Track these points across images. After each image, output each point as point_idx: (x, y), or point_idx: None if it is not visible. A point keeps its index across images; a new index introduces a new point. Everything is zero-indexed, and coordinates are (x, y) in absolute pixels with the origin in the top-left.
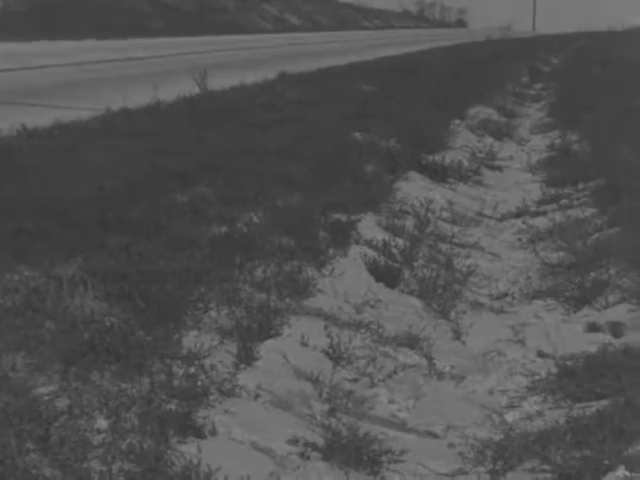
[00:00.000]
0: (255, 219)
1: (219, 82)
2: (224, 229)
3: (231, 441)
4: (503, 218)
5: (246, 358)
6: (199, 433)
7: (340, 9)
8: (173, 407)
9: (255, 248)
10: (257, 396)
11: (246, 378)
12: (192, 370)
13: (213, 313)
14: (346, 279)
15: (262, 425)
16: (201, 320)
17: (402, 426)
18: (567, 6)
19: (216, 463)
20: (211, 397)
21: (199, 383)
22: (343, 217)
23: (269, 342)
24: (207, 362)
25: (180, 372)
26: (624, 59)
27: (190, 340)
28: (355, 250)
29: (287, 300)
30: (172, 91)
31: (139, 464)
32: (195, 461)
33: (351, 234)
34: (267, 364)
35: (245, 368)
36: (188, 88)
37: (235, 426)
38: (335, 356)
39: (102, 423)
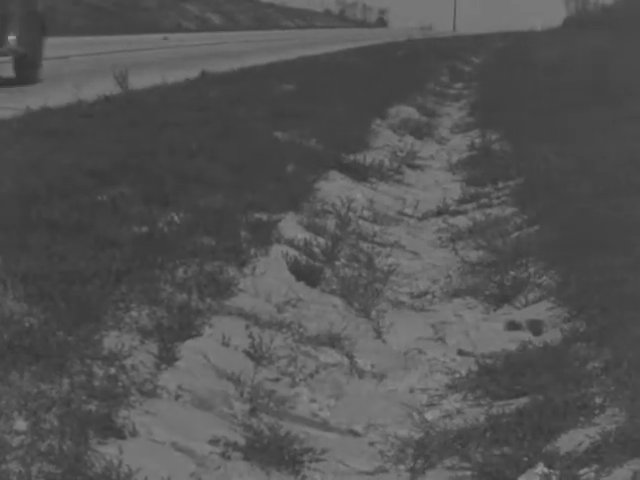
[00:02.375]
0: (176, 219)
1: (140, 81)
2: (145, 229)
3: (152, 442)
4: (424, 217)
5: (167, 358)
6: (120, 434)
7: (262, 9)
8: (93, 408)
9: (176, 248)
10: (178, 396)
11: (167, 378)
12: (113, 371)
13: (134, 313)
14: (267, 278)
15: (183, 425)
16: (122, 320)
17: (323, 425)
18: (488, 6)
19: (137, 464)
20: (132, 398)
21: (120, 384)
22: (264, 216)
23: (190, 342)
24: (128, 362)
25: (100, 373)
26: (543, 59)
27: (111, 340)
28: (276, 249)
29: (208, 300)
30: (93, 90)
31: (59, 465)
32: (115, 462)
33: (272, 233)
34: (188, 364)
35: (166, 368)
36: (109, 87)
37: (156, 426)
38: (256, 356)
39: (21, 424)
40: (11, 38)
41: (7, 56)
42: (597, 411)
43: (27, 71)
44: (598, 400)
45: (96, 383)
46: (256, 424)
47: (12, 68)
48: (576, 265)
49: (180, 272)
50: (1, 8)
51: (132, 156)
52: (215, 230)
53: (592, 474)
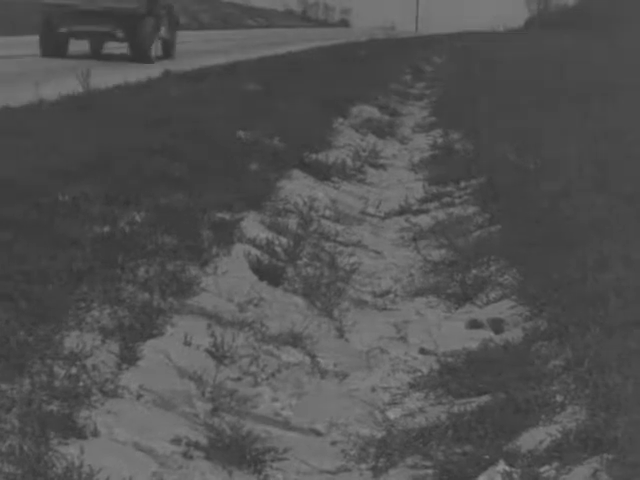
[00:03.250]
0: (138, 218)
1: (103, 80)
2: (106, 228)
3: (113, 442)
4: (386, 216)
5: (129, 358)
6: (81, 434)
7: (224, 8)
8: (54, 408)
9: (138, 247)
10: (140, 396)
11: (129, 378)
12: (74, 370)
13: (95, 313)
14: (230, 278)
15: (145, 425)
16: (83, 320)
17: (285, 424)
18: (450, 7)
19: (98, 464)
20: (93, 398)
21: (81, 384)
22: (227, 216)
23: (152, 342)
24: (89, 362)
25: (62, 373)
26: (505, 59)
27: (72, 340)
28: (239, 249)
29: (170, 299)
30: (55, 90)
31: (19, 466)
32: (77, 462)
33: (234, 233)
34: (150, 364)
35: (128, 368)
36: (72, 87)
37: (117, 426)
38: (218, 355)
39: None
40: (162, 29)
41: (159, 41)
42: (558, 409)
43: (169, 50)
44: (559, 398)
45: (57, 383)
46: (218, 423)
47: (160, 49)
48: (537, 264)
49: (142, 271)
50: (157, 11)
51: (93, 155)
52: (177, 229)
53: (553, 472)
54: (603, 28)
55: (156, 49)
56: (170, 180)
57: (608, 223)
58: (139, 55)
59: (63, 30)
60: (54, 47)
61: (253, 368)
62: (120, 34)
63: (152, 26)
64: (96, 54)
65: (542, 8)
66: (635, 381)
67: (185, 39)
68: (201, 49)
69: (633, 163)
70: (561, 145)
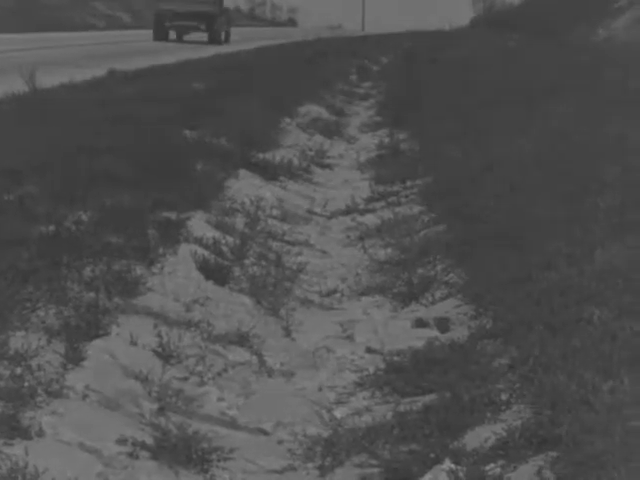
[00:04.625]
0: (84, 217)
1: (49, 80)
2: (52, 228)
3: (59, 442)
4: (333, 216)
5: (74, 358)
6: (26, 434)
7: None
8: None
9: (84, 247)
10: (85, 396)
11: (74, 378)
12: (18, 371)
13: (41, 313)
14: (176, 277)
15: (90, 425)
16: (28, 320)
17: (232, 424)
18: (396, 6)
19: (43, 464)
20: (38, 398)
21: (26, 384)
22: (173, 215)
23: (98, 342)
24: (34, 363)
25: (6, 373)
26: (450, 58)
27: (17, 340)
28: (185, 248)
29: (116, 299)
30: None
31: None
32: (21, 463)
33: (181, 232)
34: (96, 364)
35: (73, 368)
36: (16, 86)
37: (63, 427)
38: (165, 355)
39: None
40: (220, 22)
41: (221, 31)
42: (503, 407)
43: (227, 38)
44: (504, 396)
45: (1, 383)
46: (164, 423)
47: (223, 37)
48: (482, 263)
49: (88, 271)
50: (212, 9)
51: (39, 155)
52: (123, 229)
53: (498, 470)
54: (548, 28)
55: (222, 37)
56: (116, 179)
57: (552, 222)
58: (214, 40)
59: (167, 24)
60: (161, 35)
61: (199, 368)
62: (202, 27)
63: (221, 23)
64: (180, 40)
65: (487, 7)
66: (579, 379)
67: (132, 38)
68: (149, 48)
69: (578, 163)
70: (507, 144)
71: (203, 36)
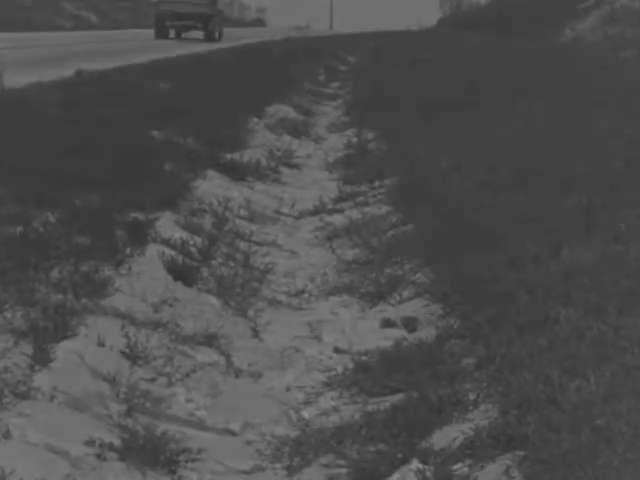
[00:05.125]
0: (51, 218)
1: (16, 80)
2: (19, 229)
3: (26, 444)
4: (301, 216)
5: (41, 359)
6: None
7: (138, 7)
8: None
9: (51, 248)
10: (53, 397)
11: (42, 380)
12: None
13: (8, 314)
14: (144, 278)
15: (58, 427)
16: None
17: (200, 424)
18: (364, 6)
19: (10, 466)
20: (5, 400)
21: None
22: (141, 216)
23: (65, 343)
24: (1, 364)
25: None
26: (418, 58)
27: None
28: (153, 249)
29: (84, 300)
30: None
31: None
32: None
33: (149, 233)
34: (63, 365)
35: (40, 369)
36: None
37: (30, 428)
38: (132, 356)
39: None
40: (215, 22)
41: (215, 30)
42: (471, 407)
43: (220, 37)
44: (471, 396)
45: None
46: (132, 424)
47: (217, 35)
48: (450, 262)
49: (55, 272)
50: (208, 11)
51: (5, 155)
52: (91, 229)
53: (465, 469)
54: (514, 28)
55: (216, 35)
56: (84, 180)
57: (520, 221)
58: (209, 37)
59: (167, 24)
60: (162, 33)
61: (167, 368)
62: (199, 26)
63: (215, 23)
64: (178, 38)
65: (454, 8)
66: (545, 378)
67: (99, 38)
68: (117, 48)
69: (546, 162)
70: (475, 144)
71: (199, 34)
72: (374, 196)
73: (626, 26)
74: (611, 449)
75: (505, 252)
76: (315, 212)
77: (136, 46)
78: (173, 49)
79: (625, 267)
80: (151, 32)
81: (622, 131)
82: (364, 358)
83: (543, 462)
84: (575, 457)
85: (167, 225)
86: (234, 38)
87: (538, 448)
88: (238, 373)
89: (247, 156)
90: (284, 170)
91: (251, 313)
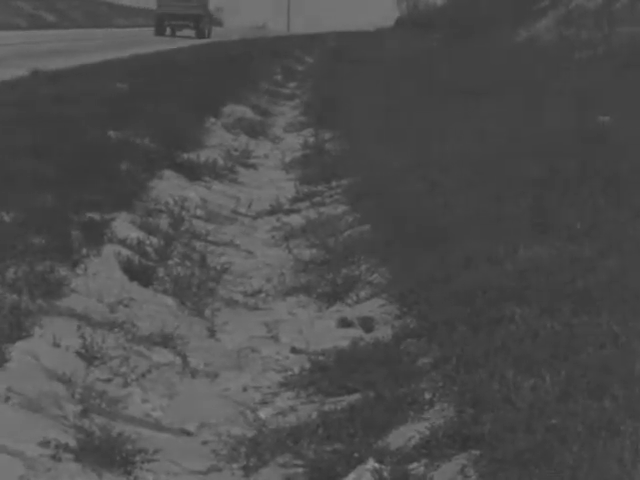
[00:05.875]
0: (6, 218)
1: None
2: None
3: None
4: (258, 216)
5: None
6: None
7: (95, 7)
8: None
9: (6, 248)
10: (7, 398)
11: None
12: None
13: None
14: (100, 278)
15: (12, 428)
16: None
17: (156, 425)
18: (322, 6)
19: None
20: None
21: None
22: (97, 216)
23: (20, 343)
24: None
25: None
26: (375, 59)
27: None
28: (109, 249)
29: (39, 301)
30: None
31: None
32: None
33: (105, 233)
34: (18, 366)
35: None
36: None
37: None
38: (88, 356)
39: None
40: (205, 22)
41: (205, 29)
42: (427, 406)
43: (209, 34)
44: (427, 395)
45: None
46: (87, 425)
47: (207, 33)
48: (406, 262)
49: (10, 272)
50: (200, 12)
51: None
52: (46, 230)
53: (422, 469)
54: (471, 28)
55: (206, 33)
56: (40, 180)
57: (476, 221)
58: (200, 35)
59: (165, 23)
60: (160, 31)
61: (123, 369)
62: (192, 25)
63: (205, 22)
64: (173, 34)
65: (411, 8)
66: (500, 377)
67: (55, 38)
68: (72, 48)
69: (501, 162)
70: (431, 144)
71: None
72: (331, 196)
73: (581, 27)
74: (566, 448)
75: (461, 251)
76: (272, 212)
77: (90, 45)
78: (127, 49)
79: (580, 266)
80: (98, 32)
81: (575, 130)
82: (321, 358)
83: (498, 461)
84: (530, 456)
85: (123, 225)
86: (192, 37)
87: (493, 447)
88: (194, 373)
89: (204, 156)
90: (241, 170)
91: (207, 313)
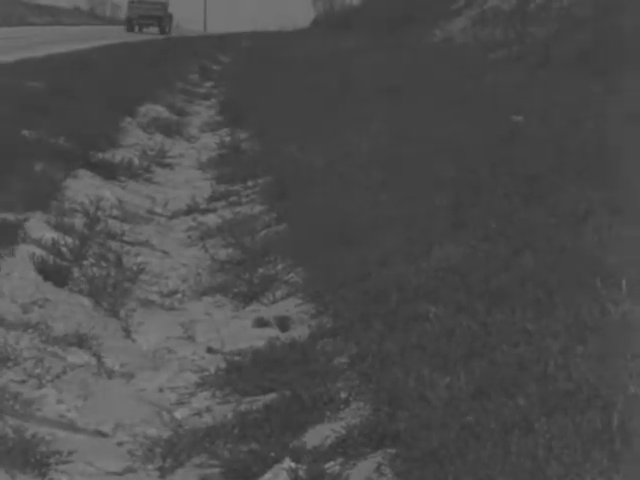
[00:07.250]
0: None
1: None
2: None
3: None
4: (174, 216)
5: None
6: None
7: (8, 4)
8: None
9: None
10: None
11: None
12: None
13: None
14: (13, 279)
15: None
16: None
17: (71, 426)
18: (239, 6)
19: None
20: None
21: None
22: (10, 216)
23: None
24: None
25: None
26: (292, 59)
27: None
28: (23, 249)
29: None
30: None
31: None
32: None
33: (19, 233)
34: None
35: None
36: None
37: None
38: (1, 357)
39: None
40: (166, 21)
41: (166, 26)
42: (342, 405)
43: (170, 31)
44: (343, 394)
45: None
46: (1, 427)
47: (168, 30)
48: (322, 261)
49: None
50: (162, 14)
51: None
52: None
53: (338, 467)
54: (386, 28)
55: (167, 30)
56: None
57: (391, 220)
58: (162, 32)
59: (135, 22)
60: (130, 27)
61: (38, 370)
62: (155, 23)
63: (166, 21)
64: (141, 31)
65: (327, 8)
66: (416, 375)
67: None
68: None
69: (416, 162)
70: (346, 144)
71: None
72: (247, 195)
73: (496, 27)
74: (480, 445)
75: (377, 250)
76: (188, 212)
77: (3, 44)
78: (44, 48)
79: (494, 265)
80: (12, 31)
81: (489, 130)
82: (237, 358)
83: (414, 459)
84: (445, 453)
85: (38, 225)
86: (112, 37)
87: (409, 445)
88: (110, 374)
89: (119, 155)
90: (157, 170)
91: (123, 314)
